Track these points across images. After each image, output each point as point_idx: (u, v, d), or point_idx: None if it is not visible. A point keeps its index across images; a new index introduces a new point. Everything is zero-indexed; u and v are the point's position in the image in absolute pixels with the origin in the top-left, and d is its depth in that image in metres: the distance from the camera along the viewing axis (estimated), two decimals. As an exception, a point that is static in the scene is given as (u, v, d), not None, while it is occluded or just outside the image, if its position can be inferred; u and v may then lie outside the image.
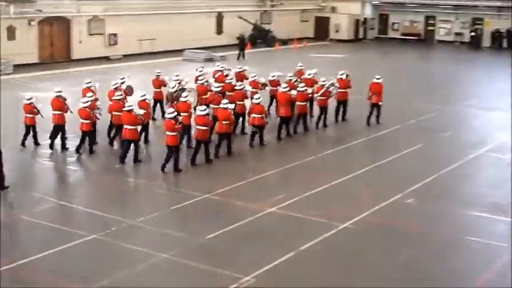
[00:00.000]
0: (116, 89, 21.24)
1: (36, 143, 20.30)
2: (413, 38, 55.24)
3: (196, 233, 14.05)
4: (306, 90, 22.66)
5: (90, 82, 21.85)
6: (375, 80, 24.34)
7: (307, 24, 56.14)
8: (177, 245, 13.35)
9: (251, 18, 49.41)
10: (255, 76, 24.68)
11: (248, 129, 21.62)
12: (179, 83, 22.37)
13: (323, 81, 23.81)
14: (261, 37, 49.56)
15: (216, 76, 25.11)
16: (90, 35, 40.25)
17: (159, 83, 23.92)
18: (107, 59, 40.06)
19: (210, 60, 39.12)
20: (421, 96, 26.75)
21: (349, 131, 24.00)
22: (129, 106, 18.79)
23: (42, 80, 31.98)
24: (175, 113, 18.29)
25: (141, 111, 19.31)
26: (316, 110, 24.28)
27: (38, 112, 20.06)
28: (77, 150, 19.62)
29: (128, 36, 41.45)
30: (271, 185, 17.79)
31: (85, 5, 39.47)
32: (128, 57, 40.71)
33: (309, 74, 25.26)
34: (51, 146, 20.08)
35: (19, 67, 34.44)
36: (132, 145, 18.85)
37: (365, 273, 12.44)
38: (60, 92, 20.32)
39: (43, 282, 11.89)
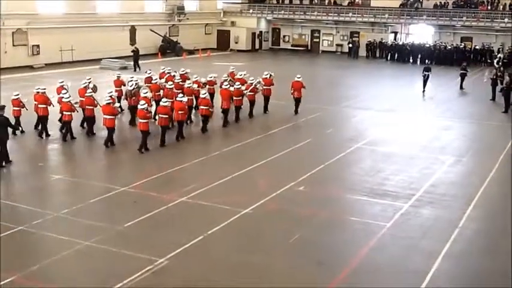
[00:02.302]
0: (85, 87, 22.38)
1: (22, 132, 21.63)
2: (302, 48, 56.16)
3: (115, 222, 13.78)
4: (241, 87, 24.49)
5: (63, 81, 23.29)
6: (296, 79, 26.35)
7: (210, 37, 56.07)
8: (98, 233, 13.04)
9: (161, 31, 48.87)
10: (196, 77, 26.05)
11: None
12: (136, 83, 23.57)
13: (251, 80, 25.72)
14: (170, 48, 49.13)
15: (165, 77, 26.54)
16: (14, 46, 38.73)
17: (119, 83, 25.37)
18: (30, 67, 38.69)
19: (124, 68, 38.46)
20: (308, 98, 27.24)
21: (262, 124, 25.06)
22: (108, 100, 20.08)
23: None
24: (146, 105, 19.86)
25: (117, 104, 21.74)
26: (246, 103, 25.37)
27: (24, 106, 21.42)
28: (64, 138, 20.89)
29: (50, 47, 40.18)
30: (184, 176, 17.63)
31: (9, 19, 37.90)
32: (49, 66, 39.41)
33: (240, 75, 26.99)
34: (40, 135, 21.38)
35: None
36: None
37: (264, 251, 12.54)
38: (44, 89, 21.63)
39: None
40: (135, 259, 11.86)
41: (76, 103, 21.41)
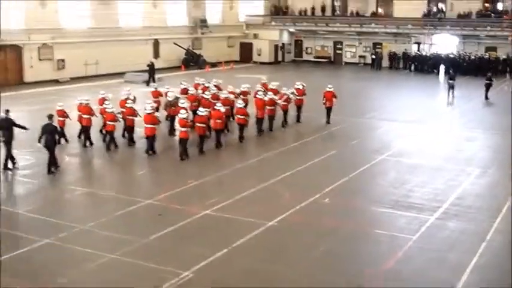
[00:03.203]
0: (126, 99, 23.02)
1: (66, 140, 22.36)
2: (324, 60, 56.11)
3: (140, 234, 13.84)
4: (274, 97, 25.07)
5: (104, 93, 23.90)
6: (327, 89, 26.90)
7: (233, 49, 56.27)
8: (124, 246, 13.12)
9: (184, 44, 49.23)
10: (230, 88, 26.45)
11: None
12: (183, 92, 25.32)
13: (284, 90, 26.14)
14: (193, 60, 49.41)
15: (199, 88, 27.24)
16: (40, 60, 39.29)
17: (157, 94, 26.14)
18: (56, 81, 39.19)
19: (153, 81, 38.73)
20: (332, 109, 27.33)
21: (291, 134, 25.72)
22: (150, 110, 20.82)
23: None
24: (187, 113, 20.84)
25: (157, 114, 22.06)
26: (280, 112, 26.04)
27: (67, 116, 22.16)
28: (108, 147, 21.52)
29: (75, 61, 40.69)
30: (209, 188, 17.69)
31: (35, 34, 38.49)
32: (74, 79, 39.90)
33: (273, 85, 27.57)
34: (84, 144, 22.15)
35: (-25, 90, 33.34)
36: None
37: (289, 264, 12.51)
38: (88, 100, 22.36)
39: (4, 284, 11.49)
40: (161, 272, 11.91)
41: (119, 113, 22.04)
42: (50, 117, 19.04)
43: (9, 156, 18.95)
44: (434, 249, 13.26)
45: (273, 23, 56.80)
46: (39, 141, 18.76)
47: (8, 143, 18.93)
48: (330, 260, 12.82)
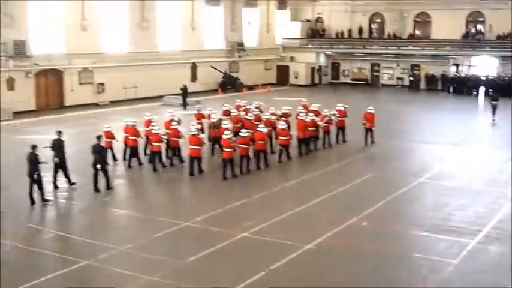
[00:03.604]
0: (171, 120, 23.64)
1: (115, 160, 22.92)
2: (361, 82, 55.96)
3: (178, 256, 13.93)
4: (315, 118, 25.31)
5: (150, 115, 24.52)
6: (368, 110, 27.11)
7: (270, 72, 56.54)
8: (162, 268, 13.21)
9: (221, 67, 49.69)
10: (272, 109, 26.92)
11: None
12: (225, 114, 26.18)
13: (326, 111, 26.38)
14: (230, 84, 49.77)
15: (241, 110, 27.47)
16: (81, 84, 40.07)
17: (199, 116, 26.63)
18: (95, 105, 39.87)
19: (186, 104, 39.15)
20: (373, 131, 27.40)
21: (331, 155, 25.78)
22: (195, 131, 21.42)
23: (38, 125, 31.72)
24: (231, 134, 21.41)
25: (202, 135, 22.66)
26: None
27: (114, 137, 22.56)
28: (154, 168, 21.89)
29: (114, 85, 41.36)
30: (246, 210, 17.72)
31: (76, 58, 39.35)
32: (114, 103, 40.56)
33: (314, 107, 27.58)
34: (130, 165, 22.62)
35: (18, 114, 34.11)
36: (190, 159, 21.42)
37: (327, 287, 12.45)
38: (134, 122, 22.91)
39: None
40: (198, 294, 11.96)
41: (164, 135, 22.49)
42: (99, 137, 19.78)
43: (66, 176, 19.64)
44: (476, 273, 13.04)
45: (310, 46, 56.98)
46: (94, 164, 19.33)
47: (62, 164, 19.59)
48: (369, 283, 12.67)
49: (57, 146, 19.80)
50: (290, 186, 20.58)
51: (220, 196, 19.28)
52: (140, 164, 22.78)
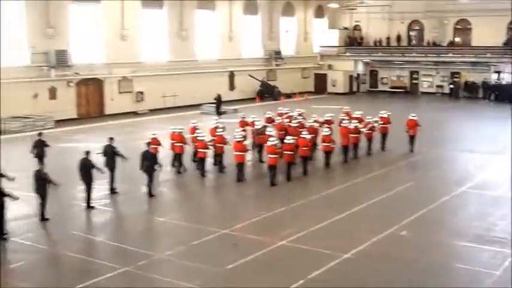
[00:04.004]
0: (216, 127, 24.12)
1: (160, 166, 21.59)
2: (400, 90, 55.43)
3: (216, 264, 13.96)
4: (358, 125, 25.62)
5: (195, 122, 25.16)
6: (410, 117, 27.34)
7: (307, 80, 56.47)
8: (200, 275, 13.26)
9: (259, 76, 49.82)
10: (314, 116, 27.19)
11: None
12: (268, 121, 26.71)
13: (369, 118, 26.67)
14: (268, 92, 49.82)
15: (283, 117, 27.86)
16: (120, 93, 40.64)
17: (243, 123, 26.72)
18: (135, 113, 40.36)
19: (223, 113, 39.30)
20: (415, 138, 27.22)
21: (373, 162, 25.70)
22: (240, 138, 21.91)
23: (78, 133, 32.23)
24: (276, 141, 21.87)
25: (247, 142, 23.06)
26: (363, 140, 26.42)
27: (160, 144, 22.66)
28: (202, 174, 22.40)
29: (153, 93, 41.83)
30: (285, 218, 17.69)
31: (116, 68, 39.93)
32: (153, 111, 40.99)
33: (357, 114, 27.77)
34: (178, 170, 23.09)
35: (59, 122, 34.73)
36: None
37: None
38: (181, 129, 23.43)
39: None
40: (237, 302, 11.94)
41: (210, 141, 22.96)
42: (148, 144, 20.63)
43: (111, 181, 20.15)
44: (520, 285, 12.74)
45: (348, 54, 56.73)
46: (141, 168, 19.82)
47: (112, 170, 20.11)
48: (409, 294, 12.51)
49: (109, 152, 20.35)
50: (331, 193, 20.55)
51: (261, 203, 19.39)
52: (185, 169, 23.14)
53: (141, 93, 41.62)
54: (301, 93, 51.62)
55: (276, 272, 13.58)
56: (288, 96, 50.01)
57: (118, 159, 20.39)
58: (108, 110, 39.86)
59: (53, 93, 36.56)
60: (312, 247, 14.95)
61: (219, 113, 39.27)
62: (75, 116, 37.56)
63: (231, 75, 48.70)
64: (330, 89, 55.51)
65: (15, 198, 15.87)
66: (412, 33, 56.35)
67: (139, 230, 17.06)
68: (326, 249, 14.73)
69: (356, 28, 58.88)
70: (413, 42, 56.25)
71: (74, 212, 18.43)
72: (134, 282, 13.21)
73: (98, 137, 27.02)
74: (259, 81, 49.63)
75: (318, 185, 21.78)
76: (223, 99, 42.14)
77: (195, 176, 22.62)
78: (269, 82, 50.83)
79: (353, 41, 58.16)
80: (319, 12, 57.89)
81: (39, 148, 22.79)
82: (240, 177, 21.70)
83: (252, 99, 48.27)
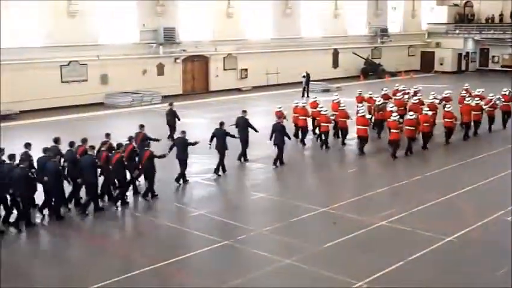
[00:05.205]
0: (337, 102, 24.93)
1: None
2: (512, 69, 52.82)
3: (314, 242, 13.99)
4: (480, 102, 25.51)
5: (316, 97, 26.50)
6: None
7: (413, 58, 54.98)
8: (298, 252, 13.32)
9: (363, 54, 49.00)
10: (433, 93, 27.35)
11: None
12: (385, 98, 26.51)
13: (491, 96, 26.62)
14: (372, 70, 48.99)
15: (398, 94, 28.37)
16: (225, 70, 41.25)
17: (360, 99, 27.41)
18: (238, 90, 40.88)
19: (326, 91, 39.01)
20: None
21: (492, 140, 25.38)
22: (363, 112, 22.99)
23: (185, 109, 33.00)
24: (398, 116, 22.35)
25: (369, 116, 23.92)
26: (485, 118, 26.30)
27: (285, 117, 22.79)
28: (321, 146, 23.29)
29: (257, 71, 42.18)
30: (385, 199, 17.45)
31: (221, 45, 40.52)
32: (256, 88, 41.36)
33: (478, 91, 27.69)
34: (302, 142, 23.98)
35: (166, 97, 35.71)
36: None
37: (466, 279, 11.96)
38: (304, 103, 25.31)
39: (185, 280, 12.28)
40: (334, 281, 11.93)
41: (332, 115, 23.83)
42: (280, 117, 21.85)
43: (243, 154, 21.30)
44: None
45: (457, 31, 54.56)
46: (270, 139, 20.99)
47: (245, 142, 21.16)
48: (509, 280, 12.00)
49: (240, 124, 21.25)
50: (439, 173, 20.16)
51: (367, 182, 19.53)
52: (304, 144, 23.90)
53: (245, 70, 42.04)
54: (407, 72, 50.31)
55: (375, 252, 13.42)
56: (393, 74, 48.88)
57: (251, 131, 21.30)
58: (212, 86, 40.62)
59: (160, 70, 37.69)
60: (412, 228, 14.64)
61: (307, 91, 37.94)
62: (180, 92, 38.53)
63: (335, 53, 48.20)
64: (437, 67, 53.76)
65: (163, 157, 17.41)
66: (527, 9, 53.33)
67: (239, 205, 17.34)
68: (427, 232, 14.38)
69: (467, 4, 56.47)
70: (529, 18, 53.23)
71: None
72: (234, 255, 13.50)
73: (203, 112, 27.60)
74: (364, 59, 48.81)
75: (434, 161, 21.90)
76: (328, 77, 41.76)
77: (314, 149, 23.67)
78: (373, 60, 49.90)
79: (463, 18, 55.85)
80: (428, -12, 56.00)
81: (171, 117, 24.57)
82: (361, 150, 22.34)
83: (356, 77, 47.59)
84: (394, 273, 12.25)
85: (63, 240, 14.72)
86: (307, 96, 36.79)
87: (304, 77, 38.54)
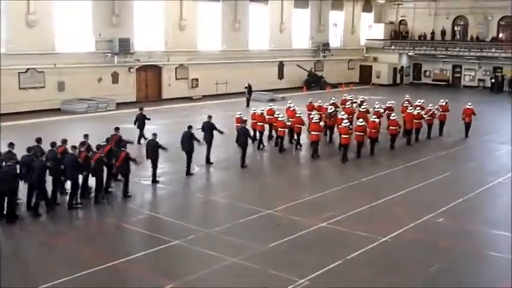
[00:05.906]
0: (293, 110, 25.38)
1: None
2: (443, 83, 54.19)
3: (260, 242, 14.01)
4: (420, 112, 26.74)
5: (272, 105, 27.04)
6: (467, 106, 28.27)
7: (353, 71, 55.79)
8: (244, 251, 13.32)
9: (307, 66, 49.48)
10: (377, 103, 28.60)
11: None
12: (335, 106, 27.15)
13: (430, 106, 27.67)
14: (314, 81, 49.42)
15: (347, 103, 29.62)
16: (177, 79, 40.96)
17: (311, 107, 28.00)
18: (189, 98, 40.65)
19: (272, 100, 39.17)
20: (449, 131, 26.64)
21: (427, 147, 26.02)
22: (317, 119, 23.36)
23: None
24: (349, 123, 23.28)
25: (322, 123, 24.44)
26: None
27: (245, 122, 22.86)
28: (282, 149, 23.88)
29: (207, 80, 42.02)
30: (326, 202, 17.55)
31: (173, 56, 40.24)
32: (206, 97, 41.20)
33: (419, 102, 28.86)
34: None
35: (120, 105, 35.25)
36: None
37: (402, 277, 12.17)
38: (262, 110, 25.29)
39: (140, 276, 12.13)
40: (278, 278, 11.97)
41: (289, 121, 24.59)
42: (244, 121, 22.36)
43: (207, 156, 21.53)
44: (553, 275, 12.36)
45: (393, 47, 55.71)
46: (236, 141, 21.64)
47: (210, 144, 21.52)
48: (443, 278, 12.29)
49: (206, 128, 21.64)
50: (381, 176, 20.70)
51: (315, 184, 19.92)
52: (263, 146, 24.55)
53: (196, 80, 41.85)
54: (347, 84, 51.05)
55: (317, 251, 13.53)
56: (334, 86, 49.47)
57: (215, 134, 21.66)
58: (165, 94, 40.25)
59: (115, 78, 37.13)
60: (350, 230, 14.84)
61: (248, 101, 37.68)
62: (134, 100, 38.02)
63: (281, 65, 48.49)
64: (374, 80, 54.73)
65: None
66: (456, 28, 54.93)
67: (189, 207, 17.25)
68: (364, 232, 14.60)
69: (402, 22, 57.76)
70: (458, 37, 54.82)
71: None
72: (184, 254, 13.40)
73: (156, 119, 27.33)
74: (307, 71, 49.28)
75: (385, 163, 22.66)
76: (273, 87, 41.92)
77: (273, 153, 24.07)
78: (316, 72, 50.43)
79: (398, 35, 57.10)
80: (367, 7, 56.98)
81: (140, 121, 24.82)
82: (315, 154, 22.86)
83: (299, 88, 47.98)
84: (334, 271, 12.39)
85: (13, 240, 14.34)
86: (247, 106, 36.60)
87: (246, 87, 38.55)
